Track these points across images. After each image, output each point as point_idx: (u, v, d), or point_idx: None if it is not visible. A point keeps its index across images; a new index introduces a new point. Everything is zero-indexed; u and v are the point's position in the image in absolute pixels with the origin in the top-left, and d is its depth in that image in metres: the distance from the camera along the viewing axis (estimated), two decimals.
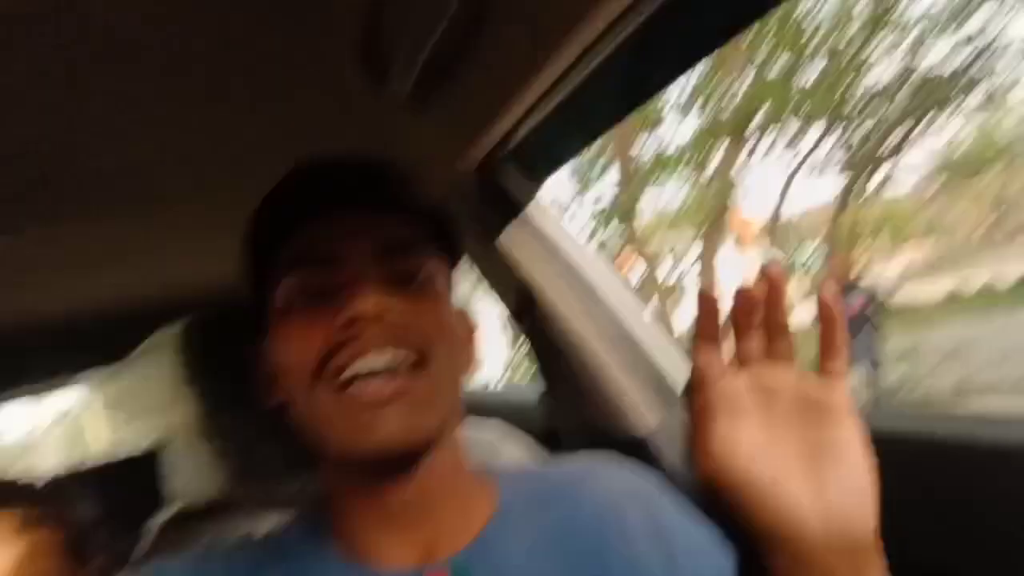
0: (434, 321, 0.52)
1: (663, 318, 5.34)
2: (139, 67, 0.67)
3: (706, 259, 5.79)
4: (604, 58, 0.67)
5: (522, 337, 1.06)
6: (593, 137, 0.90)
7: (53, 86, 0.65)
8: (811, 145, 7.52)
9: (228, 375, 0.74)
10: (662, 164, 5.75)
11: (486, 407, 1.40)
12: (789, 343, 0.44)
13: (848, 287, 5.04)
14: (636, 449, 0.89)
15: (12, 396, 1.97)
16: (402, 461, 0.50)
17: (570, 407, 1.00)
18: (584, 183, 7.75)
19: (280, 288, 0.53)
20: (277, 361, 0.53)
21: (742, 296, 0.44)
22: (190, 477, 0.74)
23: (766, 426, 0.44)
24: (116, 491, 0.86)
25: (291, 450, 0.75)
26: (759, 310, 0.44)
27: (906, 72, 6.61)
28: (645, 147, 7.84)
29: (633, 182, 4.98)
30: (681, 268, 6.23)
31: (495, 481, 0.58)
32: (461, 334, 0.57)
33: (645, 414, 0.90)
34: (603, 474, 0.59)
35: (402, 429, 0.47)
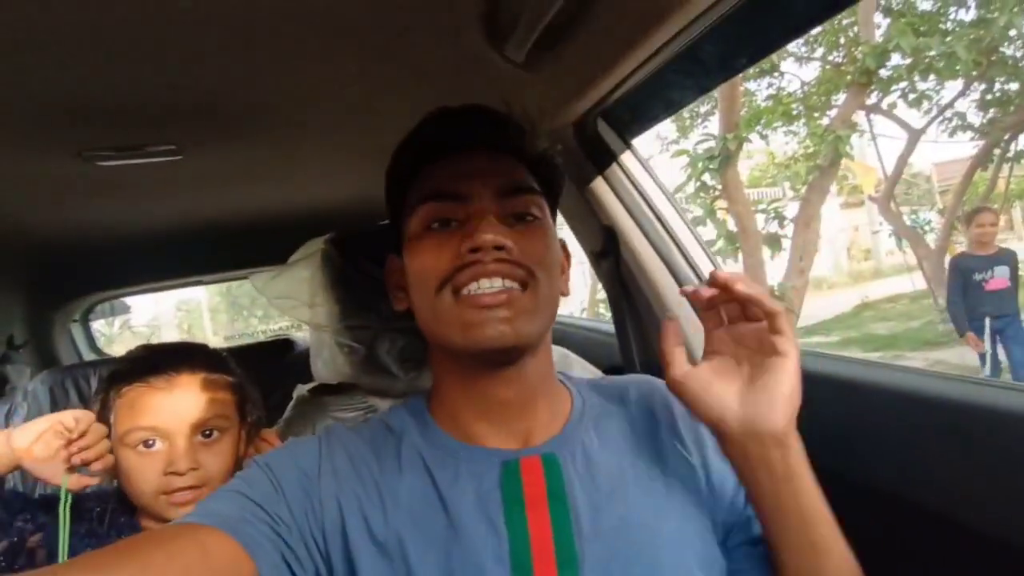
0: (540, 252, 0.62)
1: (758, 266, 5.21)
2: (297, 28, 0.82)
3: (810, 209, 5.54)
4: (693, 39, 0.76)
5: (598, 278, 1.19)
6: (681, 106, 0.99)
7: (227, 40, 0.80)
8: (945, 103, 6.89)
9: (358, 286, 0.92)
10: (769, 111, 5.49)
11: (564, 336, 1.55)
12: (756, 311, 0.57)
13: (989, 258, 4.04)
14: None
15: (172, 286, 2.35)
16: (505, 358, 0.61)
17: (636, 341, 1.13)
18: (683, 129, 7.48)
19: (416, 214, 0.64)
20: (409, 273, 0.65)
21: (699, 294, 0.59)
22: (326, 361, 0.95)
23: (730, 358, 0.60)
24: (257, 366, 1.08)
25: (403, 352, 0.93)
26: (721, 297, 0.58)
27: None
28: (757, 93, 7.44)
29: (736, 129, 4.81)
30: (783, 217, 5.99)
31: (571, 387, 0.71)
32: (560, 261, 0.67)
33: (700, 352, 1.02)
34: (654, 386, 0.73)
35: (508, 329, 0.58)
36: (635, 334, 1.13)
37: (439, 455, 0.63)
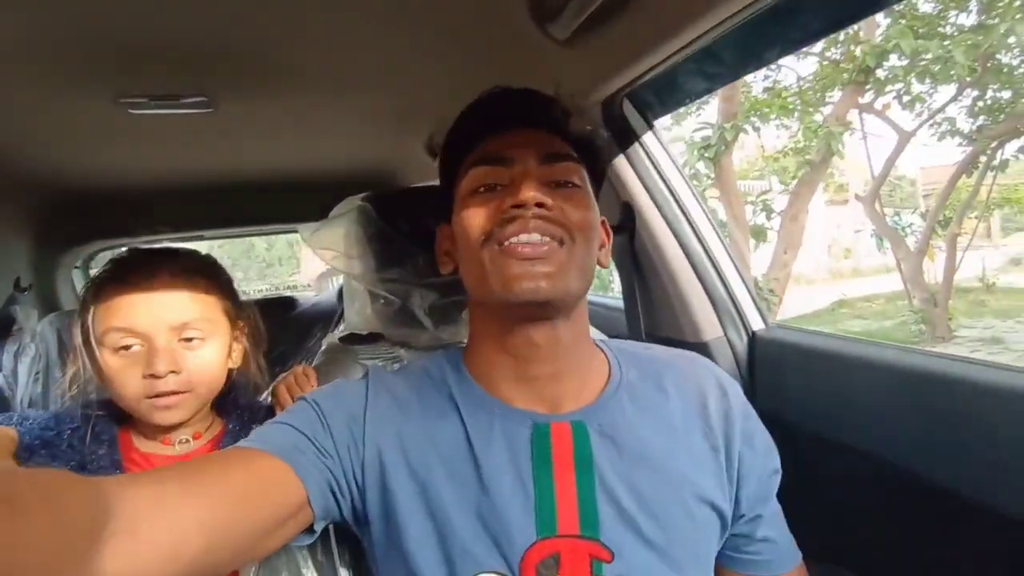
0: (578, 216, 0.66)
1: (744, 256, 5.32)
2: None
3: (798, 204, 5.65)
4: (727, 32, 0.81)
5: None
6: (705, 92, 1.05)
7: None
8: (937, 107, 6.98)
9: (394, 243, 0.97)
10: (767, 103, 5.56)
11: None
12: None
13: None
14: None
15: (179, 239, 2.36)
16: (541, 311, 0.64)
17: (645, 314, 1.20)
18: (677, 116, 7.48)
19: (465, 179, 0.69)
20: (457, 232, 0.69)
21: None
22: (358, 311, 1.00)
23: None
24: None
25: (433, 306, 0.98)
26: None
27: None
28: (753, 84, 7.48)
29: (734, 119, 4.86)
30: (771, 209, 6.09)
31: (609, 354, 0.73)
32: (599, 230, 0.70)
33: (706, 326, 1.09)
34: (695, 366, 0.75)
35: (546, 284, 0.62)
36: (644, 306, 1.19)
37: (474, 408, 0.67)
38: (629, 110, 1.11)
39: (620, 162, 1.13)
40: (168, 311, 0.82)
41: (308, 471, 0.61)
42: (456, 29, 1.01)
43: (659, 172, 1.13)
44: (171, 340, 0.83)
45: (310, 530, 0.64)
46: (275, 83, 1.21)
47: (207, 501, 0.53)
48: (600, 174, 0.76)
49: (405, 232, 0.96)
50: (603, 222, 0.74)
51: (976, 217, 8.98)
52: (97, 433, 0.85)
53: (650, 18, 0.83)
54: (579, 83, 1.04)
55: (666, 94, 1.07)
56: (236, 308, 0.93)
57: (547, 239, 0.63)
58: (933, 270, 8.11)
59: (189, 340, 0.84)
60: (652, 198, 1.12)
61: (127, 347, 0.81)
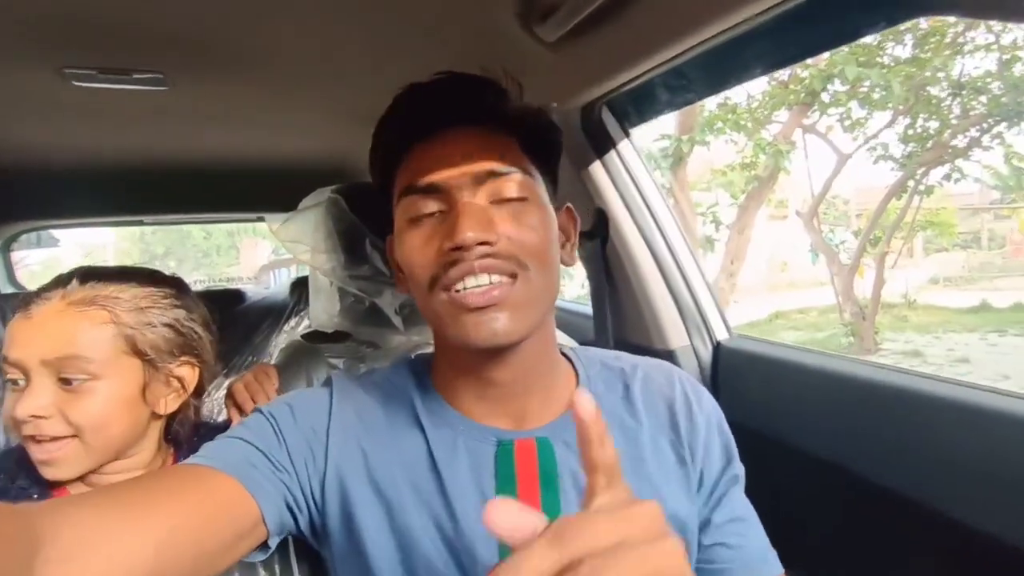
0: (529, 238, 0.59)
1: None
2: None
3: (746, 217, 5.84)
4: (704, 50, 0.82)
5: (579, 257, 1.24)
6: (681, 105, 1.06)
7: None
8: (873, 131, 7.35)
9: (365, 238, 0.93)
10: (722, 118, 5.72)
11: None
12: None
13: None
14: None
15: (117, 223, 2.22)
16: (503, 350, 0.61)
17: (614, 320, 1.20)
18: None
19: (400, 207, 0.63)
20: (402, 265, 0.64)
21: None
22: (325, 308, 0.96)
23: None
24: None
25: (404, 306, 0.95)
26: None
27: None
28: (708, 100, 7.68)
29: (691, 131, 4.98)
30: (719, 221, 6.28)
31: (578, 365, 0.70)
32: (555, 238, 0.63)
33: (673, 335, 1.10)
34: (663, 374, 0.72)
35: (503, 329, 0.58)
36: (613, 312, 1.19)
37: (437, 423, 0.65)
38: (607, 117, 1.11)
39: (595, 168, 1.13)
40: (43, 342, 0.69)
41: (261, 487, 0.58)
42: (434, 23, 0.98)
43: (633, 180, 1.13)
44: (45, 378, 0.69)
45: (264, 546, 0.61)
46: (238, 65, 1.14)
47: (153, 523, 0.49)
48: (553, 157, 0.68)
49: (377, 228, 0.93)
50: (568, 209, 0.69)
51: (902, 238, 9.52)
52: (24, 488, 0.73)
53: (638, 28, 0.83)
54: (562, 87, 1.03)
55: (644, 104, 1.07)
56: (163, 344, 0.76)
57: (497, 278, 0.58)
58: (862, 286, 8.54)
59: (68, 381, 0.69)
60: (625, 205, 1.13)
61: (14, 380, 0.70)
